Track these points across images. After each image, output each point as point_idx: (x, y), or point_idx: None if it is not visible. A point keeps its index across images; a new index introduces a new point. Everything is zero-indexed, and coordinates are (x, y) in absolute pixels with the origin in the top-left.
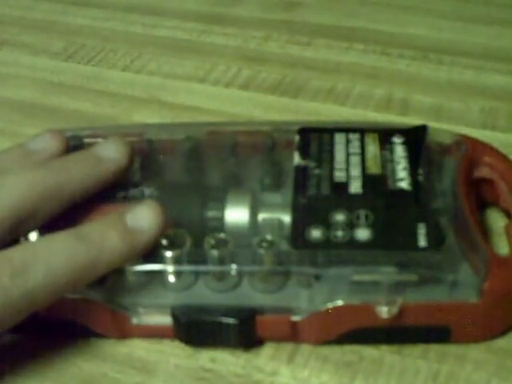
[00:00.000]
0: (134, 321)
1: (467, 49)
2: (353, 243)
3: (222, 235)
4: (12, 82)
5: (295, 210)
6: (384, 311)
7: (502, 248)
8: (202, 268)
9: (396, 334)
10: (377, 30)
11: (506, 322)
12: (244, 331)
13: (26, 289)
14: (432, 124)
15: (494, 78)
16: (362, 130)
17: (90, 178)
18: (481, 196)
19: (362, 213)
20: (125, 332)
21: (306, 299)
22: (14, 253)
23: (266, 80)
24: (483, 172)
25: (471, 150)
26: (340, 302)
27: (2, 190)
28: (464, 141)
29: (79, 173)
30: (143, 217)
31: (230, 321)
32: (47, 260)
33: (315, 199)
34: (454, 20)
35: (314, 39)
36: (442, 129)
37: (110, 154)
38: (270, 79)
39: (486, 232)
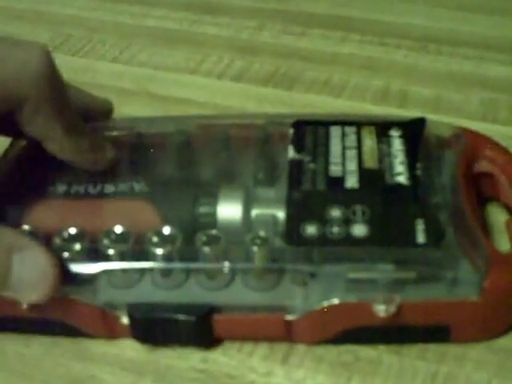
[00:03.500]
0: (124, 320)
1: (467, 39)
2: (349, 239)
3: (213, 232)
4: None
5: (290, 206)
6: (381, 310)
7: (503, 244)
8: (193, 265)
9: (394, 333)
10: (374, 20)
11: (507, 320)
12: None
13: None
14: (431, 116)
15: (495, 69)
16: (358, 123)
17: None
18: (481, 191)
19: (359, 208)
20: (114, 332)
21: (301, 297)
22: None
23: (259, 71)
24: (483, 166)
25: (471, 143)
26: (336, 301)
27: None
28: (463, 134)
29: None
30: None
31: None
32: None
33: (310, 194)
34: (453, 9)
35: (309, 29)
36: (441, 121)
37: None
38: (263, 70)
39: (486, 228)
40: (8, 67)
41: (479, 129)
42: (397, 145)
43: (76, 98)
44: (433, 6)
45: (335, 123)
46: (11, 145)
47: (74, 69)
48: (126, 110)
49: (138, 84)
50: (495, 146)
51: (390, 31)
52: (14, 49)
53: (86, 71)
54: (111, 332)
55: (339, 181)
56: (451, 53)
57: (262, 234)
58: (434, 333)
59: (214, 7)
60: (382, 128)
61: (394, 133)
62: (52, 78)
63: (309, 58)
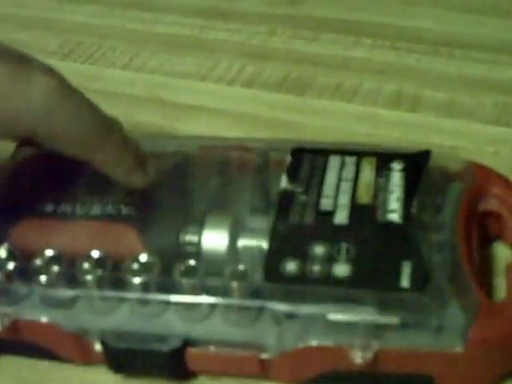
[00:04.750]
0: (97, 347)
1: (479, 42)
2: (330, 279)
3: (192, 262)
4: None
5: (273, 239)
6: (358, 356)
7: (501, 290)
8: (169, 298)
9: (372, 380)
10: (385, 24)
11: (493, 375)
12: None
13: None
14: (444, 120)
15: (508, 72)
16: (359, 154)
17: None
18: (488, 230)
19: (344, 246)
20: (89, 358)
21: (277, 337)
22: None
23: (271, 77)
24: (490, 204)
25: (479, 179)
26: (311, 343)
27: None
28: (472, 168)
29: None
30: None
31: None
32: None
33: (296, 228)
34: (465, 12)
35: (320, 34)
36: (450, 154)
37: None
38: (274, 76)
39: (487, 270)
40: (9, 104)
41: (493, 132)
42: (396, 179)
43: None
44: (444, 9)
45: (335, 152)
46: (12, 156)
47: (84, 76)
48: (137, 117)
49: (148, 91)
50: (506, 183)
51: (402, 35)
52: (16, 80)
53: (96, 79)
54: (86, 358)
55: (328, 215)
56: (464, 56)
57: (241, 267)
58: (416, 383)
59: (225, 13)
60: (384, 160)
61: (396, 166)
62: (60, 106)
63: (320, 62)
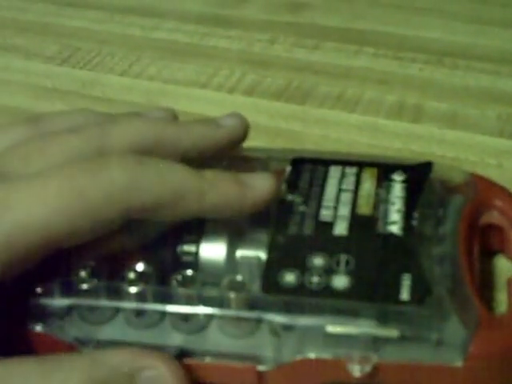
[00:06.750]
0: None
1: (483, 53)
2: (328, 291)
3: (189, 272)
4: (4, 88)
5: (271, 250)
6: (356, 369)
7: (502, 304)
8: (165, 308)
9: None
10: (388, 33)
11: None
12: None
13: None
14: (447, 132)
15: None
16: (360, 164)
17: (206, 140)
18: (488, 243)
19: (343, 258)
20: None
21: (275, 349)
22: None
23: (272, 85)
24: (493, 217)
25: (482, 192)
26: (309, 355)
27: (123, 126)
28: (474, 181)
29: (197, 132)
30: (257, 177)
31: None
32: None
33: (295, 239)
34: (469, 22)
35: (322, 42)
36: (452, 165)
37: (229, 123)
38: (275, 84)
39: (488, 283)
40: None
41: (496, 144)
42: (397, 191)
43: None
44: (449, 19)
45: (336, 163)
46: None
47: (82, 82)
48: None
49: (147, 98)
50: (508, 196)
51: (405, 45)
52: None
53: (94, 85)
54: None
55: (328, 226)
56: (467, 67)
57: (239, 278)
58: None
59: (226, 20)
60: (385, 171)
61: (397, 177)
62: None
63: (322, 71)
